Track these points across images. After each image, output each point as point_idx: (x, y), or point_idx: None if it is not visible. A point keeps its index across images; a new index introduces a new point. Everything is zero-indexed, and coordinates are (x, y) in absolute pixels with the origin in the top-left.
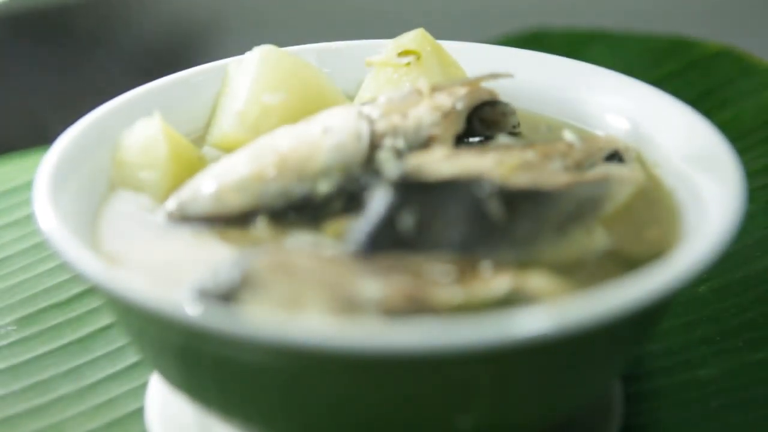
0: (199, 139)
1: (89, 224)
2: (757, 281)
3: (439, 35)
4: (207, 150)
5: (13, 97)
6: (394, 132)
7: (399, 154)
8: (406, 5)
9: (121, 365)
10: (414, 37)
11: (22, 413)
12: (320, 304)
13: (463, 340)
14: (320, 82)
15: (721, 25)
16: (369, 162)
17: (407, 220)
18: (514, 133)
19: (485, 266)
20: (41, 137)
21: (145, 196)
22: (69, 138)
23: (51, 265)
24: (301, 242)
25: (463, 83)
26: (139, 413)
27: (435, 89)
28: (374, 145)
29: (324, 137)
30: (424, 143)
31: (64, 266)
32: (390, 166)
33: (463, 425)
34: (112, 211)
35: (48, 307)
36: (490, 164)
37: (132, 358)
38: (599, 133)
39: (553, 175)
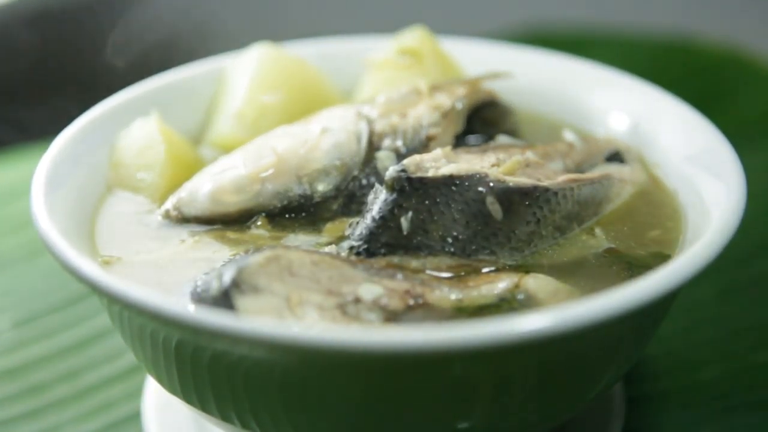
0: (197, 139)
1: (86, 225)
2: (759, 283)
3: (439, 30)
4: (205, 150)
5: (11, 96)
6: (394, 132)
7: (398, 154)
8: (405, 0)
9: (118, 368)
10: (414, 36)
11: (20, 415)
12: (318, 304)
13: (462, 339)
14: (319, 81)
15: (724, 23)
16: (368, 162)
17: (406, 221)
18: (514, 133)
19: (485, 266)
20: (38, 137)
21: (142, 197)
22: (65, 138)
23: (47, 266)
24: (299, 243)
25: (463, 83)
26: (136, 416)
27: (434, 89)
28: (373, 145)
29: (323, 137)
30: (424, 143)
31: (60, 268)
32: (389, 166)
33: (463, 426)
34: (109, 212)
35: (44, 309)
36: (489, 164)
37: (129, 360)
38: (600, 132)
39: (553, 175)
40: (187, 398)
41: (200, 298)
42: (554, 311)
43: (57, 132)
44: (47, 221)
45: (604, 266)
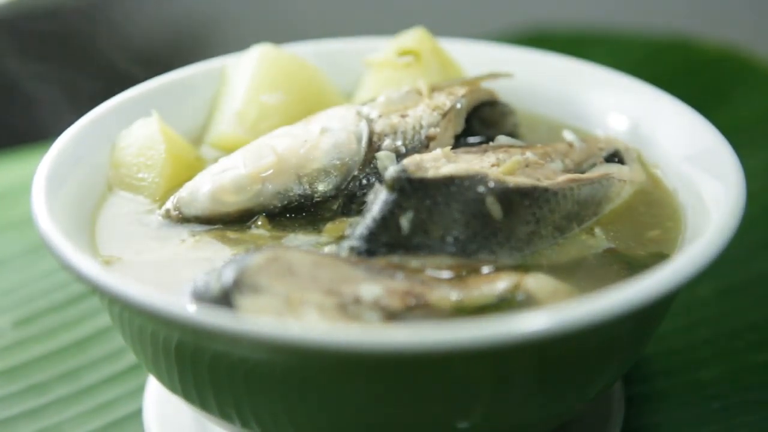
0: (198, 139)
1: (87, 225)
2: (759, 283)
3: (438, 32)
4: (205, 150)
5: (12, 96)
6: (394, 132)
7: (398, 154)
8: (405, 2)
9: (119, 367)
10: (414, 37)
11: (20, 415)
12: (318, 304)
13: (462, 340)
14: (319, 81)
15: (723, 23)
16: (368, 162)
17: (406, 221)
18: (513, 134)
19: (484, 266)
20: (39, 137)
21: (142, 197)
22: (67, 138)
23: (48, 266)
24: (299, 243)
25: (463, 83)
26: (137, 415)
27: (434, 89)
28: (373, 145)
29: (323, 137)
30: (424, 143)
31: (61, 267)
32: (389, 166)
33: (463, 426)
34: (109, 212)
35: (45, 308)
36: (489, 164)
37: (130, 359)
38: (599, 133)
39: (552, 175)
40: (187, 397)
41: (200, 297)
42: (554, 311)
43: (58, 132)
44: (48, 221)
45: (604, 266)
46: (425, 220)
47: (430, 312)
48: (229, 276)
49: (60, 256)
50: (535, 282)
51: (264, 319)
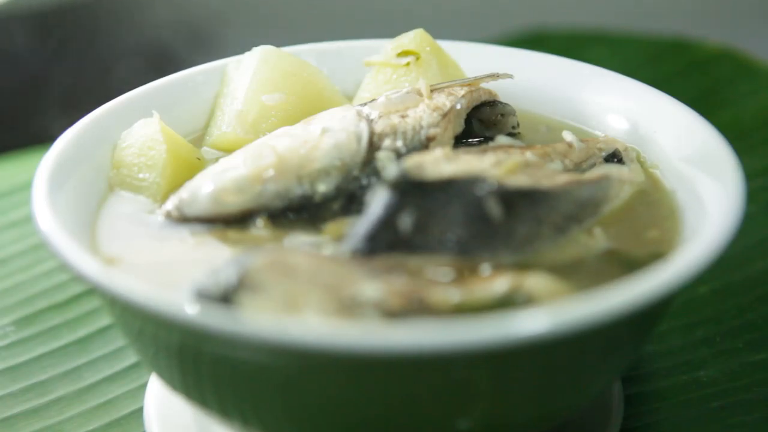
0: (198, 140)
1: (88, 225)
2: (758, 282)
3: (438, 34)
4: (206, 150)
5: (13, 96)
6: (394, 132)
7: (398, 154)
8: (405, 4)
9: (120, 366)
10: (413, 38)
11: (21, 414)
12: (319, 304)
13: (462, 340)
14: (319, 82)
15: (721, 24)
16: (368, 162)
17: (406, 221)
18: (513, 134)
19: (484, 267)
20: (40, 137)
21: (143, 197)
22: (68, 138)
23: (49, 266)
24: (300, 243)
25: (463, 83)
26: (138, 414)
27: (434, 90)
28: (373, 145)
29: (323, 138)
30: (424, 144)
31: (62, 267)
32: (389, 166)
33: (461, 426)
34: (110, 212)
35: (46, 308)
36: (489, 165)
37: (131, 359)
38: (599, 133)
39: (552, 176)
40: (188, 395)
41: (201, 297)
42: (554, 312)
43: (59, 132)
44: (48, 221)
45: (604, 266)
46: (425, 221)
47: (431, 312)
48: (230, 276)
49: (61, 256)
50: (535, 282)
51: (265, 319)
